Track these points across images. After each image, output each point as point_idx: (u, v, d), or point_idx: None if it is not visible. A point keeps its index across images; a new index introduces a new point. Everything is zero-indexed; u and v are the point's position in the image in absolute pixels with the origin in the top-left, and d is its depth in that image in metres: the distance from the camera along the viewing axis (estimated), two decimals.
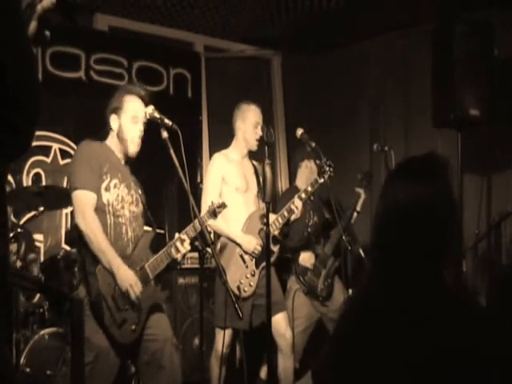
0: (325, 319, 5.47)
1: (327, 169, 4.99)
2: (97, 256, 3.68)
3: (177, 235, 3.89)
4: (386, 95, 6.83)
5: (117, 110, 3.91)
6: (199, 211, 4.11)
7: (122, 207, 3.84)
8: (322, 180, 4.99)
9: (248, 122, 4.95)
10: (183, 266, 5.50)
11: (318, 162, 5.12)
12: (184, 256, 3.94)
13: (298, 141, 4.96)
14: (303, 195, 4.90)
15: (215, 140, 6.92)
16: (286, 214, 4.86)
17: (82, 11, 5.81)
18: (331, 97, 7.25)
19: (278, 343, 4.83)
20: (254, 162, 5.14)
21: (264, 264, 4.73)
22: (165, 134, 3.80)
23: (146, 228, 4.08)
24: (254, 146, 4.96)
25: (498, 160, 5.80)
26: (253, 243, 4.77)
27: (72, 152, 5.86)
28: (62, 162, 5.84)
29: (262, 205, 4.91)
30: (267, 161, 4.00)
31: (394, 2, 5.91)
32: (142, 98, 3.96)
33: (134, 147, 3.92)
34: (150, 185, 4.43)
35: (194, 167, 6.57)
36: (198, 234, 3.83)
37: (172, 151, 3.76)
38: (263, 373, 5.23)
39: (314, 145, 4.81)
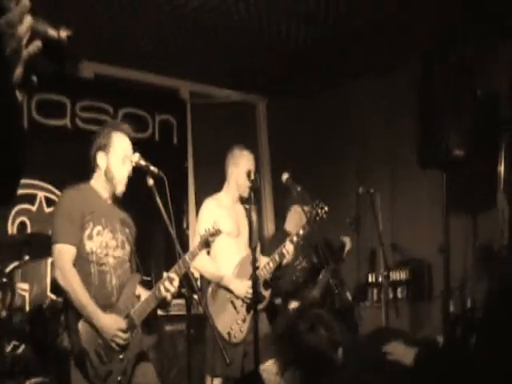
0: None
1: (319, 211, 4.99)
2: (77, 309, 3.65)
3: (165, 274, 3.85)
4: (372, 138, 6.87)
5: (104, 148, 3.84)
6: None
7: (106, 254, 3.81)
8: (314, 223, 4.98)
9: (241, 169, 4.93)
10: (170, 313, 5.46)
11: (305, 207, 5.09)
12: (173, 296, 3.89)
13: (284, 185, 4.97)
14: (295, 238, 4.88)
15: (201, 186, 6.92)
16: (277, 258, 4.83)
17: (71, 56, 5.84)
18: (317, 140, 7.30)
19: None
20: (246, 206, 5.13)
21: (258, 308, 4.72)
22: (151, 182, 3.79)
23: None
24: (245, 193, 4.92)
25: (483, 199, 5.82)
26: (244, 288, 4.72)
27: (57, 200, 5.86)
28: (47, 210, 5.82)
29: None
30: (253, 206, 4.00)
31: (378, 45, 5.99)
32: (128, 135, 3.94)
33: (121, 187, 3.88)
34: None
35: (180, 213, 6.56)
36: (184, 281, 3.79)
37: (158, 198, 3.74)
38: None
39: (299, 189, 4.81)
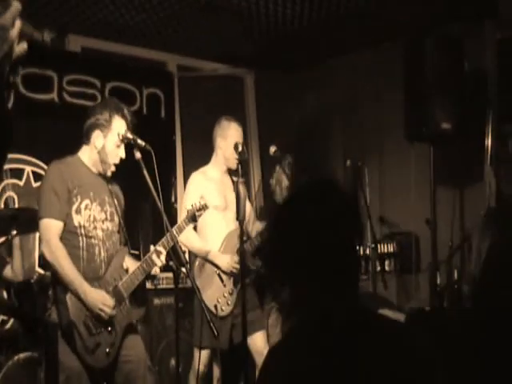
0: None
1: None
2: (65, 283, 3.67)
3: (152, 248, 3.87)
4: (359, 110, 6.87)
5: (103, 128, 3.85)
6: None
7: (95, 227, 3.82)
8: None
9: (228, 141, 4.89)
10: (158, 287, 5.48)
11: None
12: (161, 269, 3.91)
13: (272, 158, 4.97)
14: None
15: (189, 159, 6.91)
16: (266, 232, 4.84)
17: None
18: (304, 114, 7.28)
19: (256, 362, 4.81)
20: (235, 179, 5.10)
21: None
22: (138, 155, 3.79)
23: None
24: (233, 165, 4.88)
25: (470, 172, 5.85)
26: (231, 262, 4.74)
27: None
28: (34, 185, 5.79)
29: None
30: (240, 179, 4.00)
31: (366, 18, 5.96)
32: (128, 123, 3.93)
33: (112, 169, 3.90)
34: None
35: (168, 187, 6.55)
36: (172, 254, 3.81)
37: (145, 172, 3.74)
38: None
39: (290, 159, 4.82)
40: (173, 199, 6.63)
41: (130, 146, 3.87)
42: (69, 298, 3.67)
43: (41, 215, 3.75)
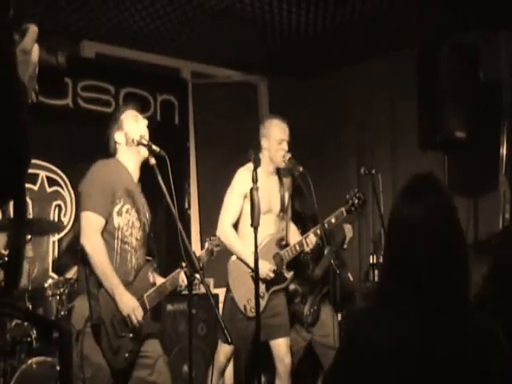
0: (314, 344, 5.46)
1: (356, 201, 4.93)
2: (100, 279, 3.68)
3: (179, 269, 3.89)
4: (373, 118, 6.86)
5: (120, 128, 3.95)
6: (188, 238, 4.12)
7: (131, 234, 3.86)
8: (348, 213, 4.92)
9: (272, 139, 4.86)
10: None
11: (347, 196, 5.01)
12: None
13: (286, 166, 4.94)
14: (318, 232, 4.80)
15: (202, 166, 6.93)
16: (297, 247, 4.84)
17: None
18: (318, 121, 7.28)
19: (276, 367, 4.83)
20: (284, 179, 5.06)
21: (274, 288, 4.76)
22: (152, 161, 3.79)
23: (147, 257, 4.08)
24: (281, 163, 4.87)
25: (484, 182, 5.82)
26: (265, 269, 4.71)
27: (59, 180, 5.85)
28: (49, 190, 5.82)
29: (282, 225, 4.90)
30: (255, 186, 3.99)
31: (380, 26, 5.96)
32: (136, 109, 4.06)
33: (144, 140, 3.87)
34: None
35: (182, 193, 6.56)
36: (186, 260, 3.81)
37: (160, 178, 3.74)
38: None
39: (301, 169, 4.78)
40: (186, 205, 6.64)
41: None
42: (101, 294, 3.69)
43: (86, 207, 3.75)
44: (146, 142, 3.82)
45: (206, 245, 4.13)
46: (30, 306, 4.74)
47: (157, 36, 6.22)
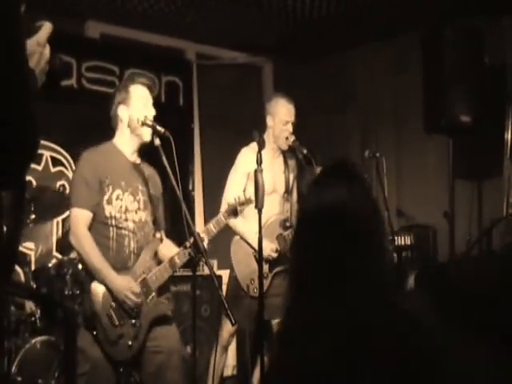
0: None
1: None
2: (92, 273, 3.68)
3: (186, 243, 3.82)
4: (377, 102, 6.84)
5: (124, 101, 3.84)
6: (192, 219, 4.09)
7: (126, 219, 3.80)
8: None
9: (277, 119, 4.83)
10: (175, 274, 5.48)
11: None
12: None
13: (291, 148, 4.93)
14: None
15: (207, 147, 6.92)
16: None
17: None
18: (322, 103, 7.26)
19: None
20: (289, 161, 5.04)
21: (277, 269, 4.76)
22: (157, 141, 3.77)
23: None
24: (283, 145, 4.85)
25: (488, 166, 5.82)
26: (268, 249, 4.68)
27: (63, 160, 5.85)
28: (53, 170, 5.82)
29: (287, 207, 4.89)
30: (259, 167, 3.98)
31: (384, 9, 5.93)
32: (147, 86, 3.93)
33: (148, 133, 3.82)
34: None
35: (186, 175, 6.56)
36: (190, 241, 3.78)
37: (164, 158, 3.73)
38: (255, 379, 5.21)
39: (305, 151, 4.77)
40: (190, 187, 6.64)
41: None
42: (93, 287, 3.67)
43: (71, 204, 3.78)
44: (150, 123, 3.80)
45: (227, 205, 4.03)
46: (34, 286, 4.75)
47: (161, 17, 6.19)
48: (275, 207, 4.86)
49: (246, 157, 4.75)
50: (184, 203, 3.70)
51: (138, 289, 3.70)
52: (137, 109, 3.83)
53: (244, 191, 4.58)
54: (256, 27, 6.53)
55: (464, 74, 5.30)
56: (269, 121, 4.89)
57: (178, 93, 6.82)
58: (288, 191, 4.99)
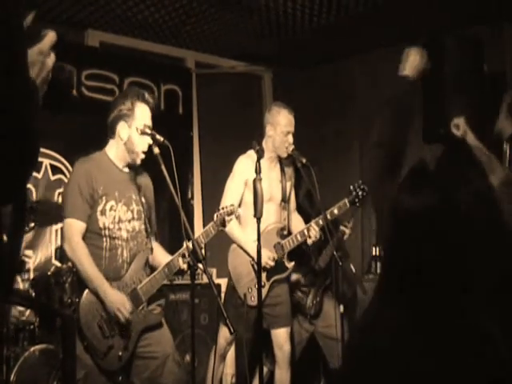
0: (317, 335, 5.47)
1: (360, 193, 4.89)
2: (85, 282, 3.69)
3: (179, 252, 3.82)
4: (376, 111, 6.84)
5: (127, 118, 3.83)
6: (191, 228, 4.10)
7: (119, 229, 3.81)
8: (352, 204, 4.89)
9: (278, 130, 4.84)
10: (174, 282, 5.49)
11: (351, 187, 4.97)
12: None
13: (289, 156, 4.94)
14: (321, 222, 4.77)
15: (206, 156, 6.93)
16: (299, 237, 4.83)
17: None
18: (322, 112, 7.27)
19: (276, 355, 4.85)
20: (286, 169, 5.06)
21: (275, 278, 4.77)
22: (156, 150, 3.77)
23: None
24: (283, 153, 4.86)
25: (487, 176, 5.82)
26: (265, 257, 4.67)
27: (63, 168, 5.86)
28: (52, 178, 5.83)
29: (284, 215, 4.90)
30: (258, 176, 3.99)
31: (384, 18, 5.95)
32: (150, 107, 3.93)
33: (141, 157, 3.87)
34: None
35: (185, 183, 6.57)
36: (189, 249, 3.79)
37: (163, 167, 3.73)
38: None
39: (304, 160, 4.77)
40: (189, 195, 6.64)
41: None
42: (84, 297, 3.68)
43: (65, 214, 3.78)
44: (149, 132, 3.81)
45: (215, 216, 4.00)
46: (33, 294, 4.75)
47: (161, 25, 6.21)
48: (272, 216, 4.85)
49: (244, 165, 4.77)
50: (183, 211, 3.70)
51: (130, 305, 3.70)
52: (137, 135, 3.84)
53: (244, 184, 4.68)
54: (255, 36, 6.55)
55: (463, 84, 5.31)
56: (269, 130, 4.88)
57: (178, 101, 6.84)
58: (285, 200, 5.00)
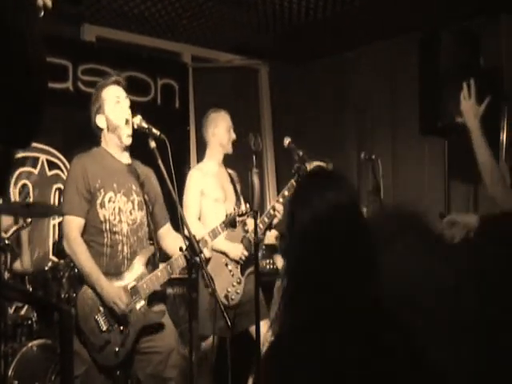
0: None
1: (301, 173, 4.93)
2: (82, 277, 3.69)
3: (178, 253, 3.81)
4: (373, 104, 6.85)
5: (99, 109, 3.89)
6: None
7: (120, 221, 3.79)
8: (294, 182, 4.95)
9: (221, 127, 5.06)
10: (171, 277, 5.48)
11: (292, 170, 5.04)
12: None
13: (286, 150, 4.94)
14: (281, 199, 4.86)
15: (203, 150, 6.90)
16: (266, 219, 4.84)
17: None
18: (318, 106, 7.27)
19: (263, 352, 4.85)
20: (230, 171, 5.18)
21: (249, 270, 4.78)
22: (153, 144, 3.76)
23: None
24: (229, 149, 5.08)
25: None
26: (239, 250, 4.80)
27: (59, 163, 5.85)
28: (49, 173, 5.82)
29: None
30: (255, 170, 3.98)
31: (381, 11, 5.94)
32: (116, 82, 3.97)
33: (126, 131, 3.86)
34: None
35: (182, 177, 6.53)
36: (186, 244, 3.78)
37: (160, 161, 3.73)
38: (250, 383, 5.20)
39: (301, 153, 4.78)
40: None
41: (144, 135, 3.85)
42: (81, 293, 3.68)
43: (63, 211, 3.80)
44: (146, 126, 3.80)
45: (225, 216, 4.04)
46: (31, 289, 4.75)
47: (158, 19, 6.20)
48: None
49: (195, 177, 5.01)
50: (180, 206, 3.70)
51: (127, 297, 3.69)
52: (112, 111, 3.88)
53: (200, 193, 4.86)
54: (252, 30, 6.54)
55: (460, 76, 5.31)
56: (213, 130, 5.08)
57: (174, 95, 6.83)
58: (239, 199, 5.06)
